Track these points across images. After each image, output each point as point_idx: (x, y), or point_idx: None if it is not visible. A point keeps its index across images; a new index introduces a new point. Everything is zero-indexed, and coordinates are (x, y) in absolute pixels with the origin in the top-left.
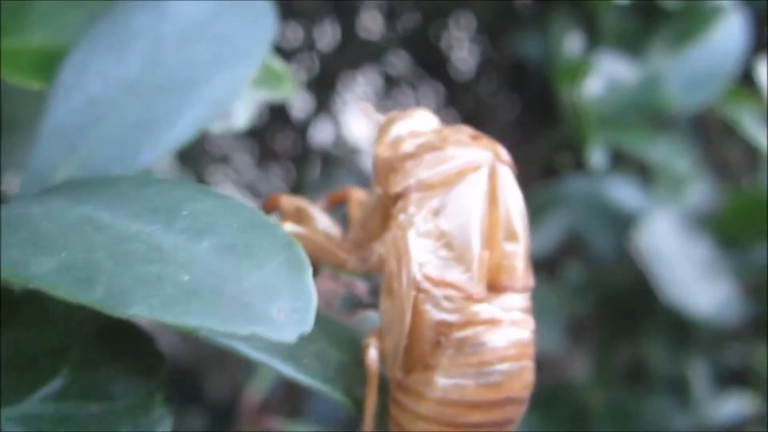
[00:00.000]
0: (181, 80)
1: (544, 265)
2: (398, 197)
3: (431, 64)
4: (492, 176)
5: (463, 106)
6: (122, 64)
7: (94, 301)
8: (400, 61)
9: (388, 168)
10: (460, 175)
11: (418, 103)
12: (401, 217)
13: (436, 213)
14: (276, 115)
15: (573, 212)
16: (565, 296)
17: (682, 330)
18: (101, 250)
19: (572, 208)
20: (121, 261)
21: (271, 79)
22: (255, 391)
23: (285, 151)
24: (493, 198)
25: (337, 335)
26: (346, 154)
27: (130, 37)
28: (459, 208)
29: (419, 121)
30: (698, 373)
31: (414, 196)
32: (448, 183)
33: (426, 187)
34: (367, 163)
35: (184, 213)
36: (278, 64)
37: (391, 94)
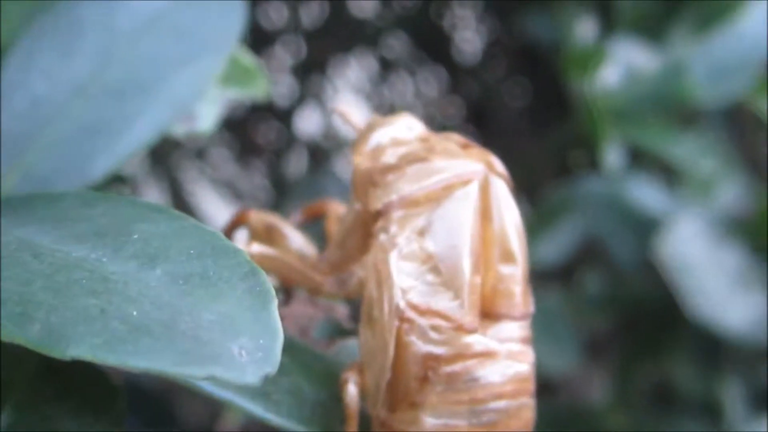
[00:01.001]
0: (136, 79)
1: (557, 275)
2: (379, 215)
3: (432, 46)
4: (484, 190)
5: (468, 93)
6: (70, 62)
7: (29, 341)
8: (397, 43)
9: (368, 181)
10: (448, 190)
11: (417, 90)
12: (382, 237)
13: (422, 233)
14: (257, 103)
15: (589, 216)
16: (581, 309)
17: (712, 347)
18: (39, 281)
19: (589, 212)
20: (60, 293)
21: (241, 76)
22: (233, 419)
23: (268, 144)
24: (485, 215)
25: (313, 367)
26: (337, 146)
27: (79, 31)
28: (447, 227)
29: (402, 128)
30: (731, 394)
31: (396, 214)
32: (435, 199)
33: (410, 203)
34: None
35: (134, 236)
36: (248, 58)
37: (387, 80)
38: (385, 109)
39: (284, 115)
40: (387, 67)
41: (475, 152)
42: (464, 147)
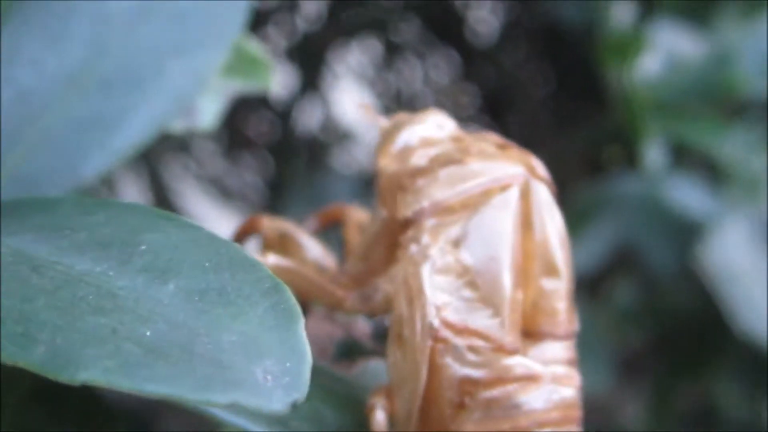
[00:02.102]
0: (132, 70)
1: (587, 285)
2: (409, 223)
3: (443, 27)
4: (525, 196)
5: (483, 80)
6: (60, 52)
7: (33, 364)
8: (405, 25)
9: (395, 186)
10: (485, 196)
11: (426, 76)
12: (413, 248)
13: (457, 243)
14: (248, 92)
15: (625, 219)
16: (613, 323)
17: (758, 365)
18: (41, 298)
19: (623, 214)
20: (66, 311)
21: (246, 66)
22: None
23: (260, 137)
24: (527, 223)
25: (333, 391)
26: (338, 140)
27: (69, 18)
28: (485, 237)
29: (433, 126)
30: None
31: (428, 223)
32: (471, 206)
33: (443, 210)
34: (364, 152)
35: (142, 248)
36: (254, 46)
37: (393, 66)
38: (391, 98)
39: (278, 105)
40: (393, 50)
41: (515, 153)
42: (502, 148)
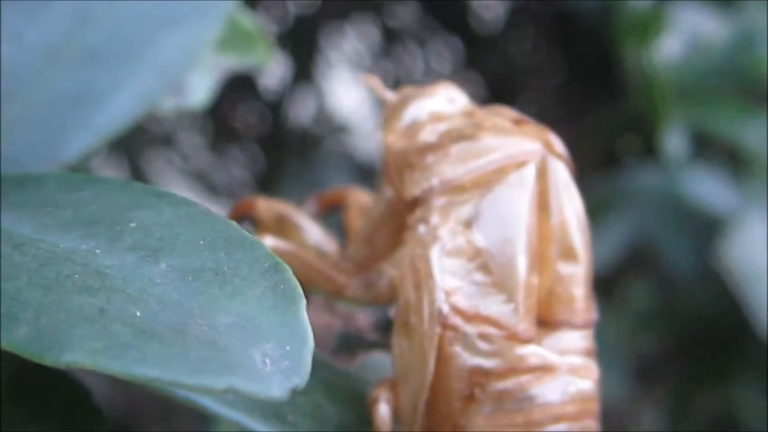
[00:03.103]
0: (118, 43)
1: (600, 285)
2: (417, 202)
3: (446, 11)
4: (542, 175)
5: (488, 68)
6: (41, 23)
7: (16, 345)
8: (403, 9)
9: (403, 163)
10: (499, 174)
11: (428, 65)
12: (421, 228)
13: (469, 224)
14: (236, 80)
15: (641, 214)
16: (629, 326)
17: None
18: (24, 276)
19: (640, 209)
20: (51, 290)
21: (240, 41)
22: None
23: (248, 129)
24: (543, 204)
25: (334, 385)
26: (332, 132)
27: None
28: (499, 218)
29: (443, 100)
30: None
31: (438, 202)
32: (484, 184)
33: (454, 189)
34: (360, 146)
35: (132, 225)
36: (248, 20)
37: (391, 53)
38: (389, 87)
39: (268, 95)
40: (391, 37)
41: (531, 129)
42: (518, 123)
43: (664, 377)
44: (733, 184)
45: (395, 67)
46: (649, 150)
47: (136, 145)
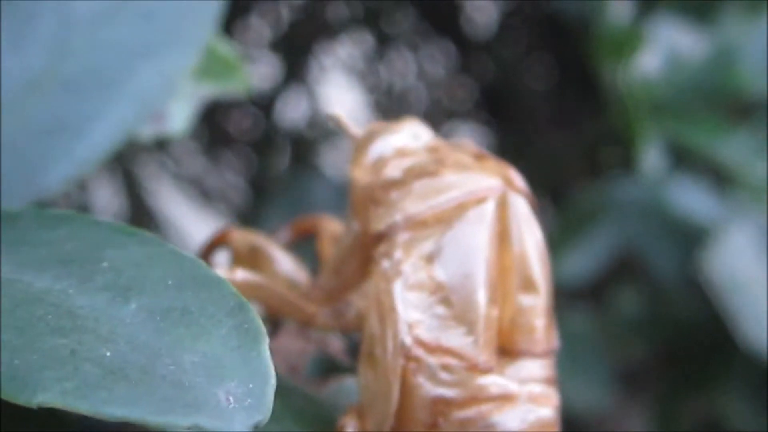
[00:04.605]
0: (97, 72)
1: (586, 294)
2: (381, 237)
3: (439, 17)
4: (502, 210)
5: (481, 73)
6: (21, 53)
7: None
8: (397, 14)
9: (368, 199)
10: (460, 210)
11: (421, 69)
12: (385, 263)
13: (430, 259)
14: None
15: (624, 224)
16: (615, 334)
17: (766, 378)
18: None
19: (624, 219)
20: (24, 332)
21: (218, 69)
22: None
23: (242, 135)
24: (503, 238)
25: (305, 411)
26: (326, 138)
27: (30, 17)
28: (459, 253)
29: (408, 136)
30: None
31: (401, 237)
32: (446, 220)
33: (416, 225)
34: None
35: (104, 265)
36: (227, 48)
37: (385, 58)
38: (382, 92)
39: (262, 100)
40: (385, 42)
41: (491, 165)
42: (478, 158)
43: (650, 384)
44: (714, 196)
45: (388, 71)
46: (629, 162)
47: (129, 149)
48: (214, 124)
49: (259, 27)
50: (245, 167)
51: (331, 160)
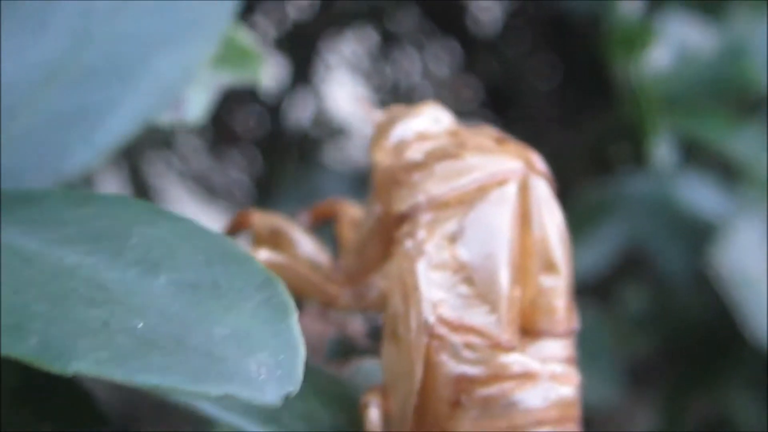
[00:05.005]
0: (116, 61)
1: (594, 290)
2: (404, 218)
3: (444, 15)
4: (523, 192)
5: (486, 72)
6: (43, 42)
7: (27, 355)
8: (402, 13)
9: (390, 181)
10: (482, 191)
11: (425, 68)
12: (408, 243)
13: (453, 239)
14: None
15: (634, 220)
16: (622, 330)
17: None
18: (32, 289)
19: (633, 215)
20: (58, 303)
21: (236, 57)
22: None
23: (247, 132)
24: (525, 219)
25: (327, 391)
26: (331, 136)
27: (51, 7)
28: (482, 233)
29: (428, 120)
30: None
31: (424, 218)
32: (468, 201)
33: (439, 205)
34: (358, 149)
35: (133, 241)
36: (245, 37)
37: (390, 56)
38: (388, 91)
39: (267, 98)
40: (390, 40)
41: (513, 148)
42: (500, 142)
43: (658, 380)
44: (723, 191)
45: (393, 70)
46: (639, 158)
47: (138, 148)
48: (220, 123)
49: (265, 26)
50: (250, 165)
51: (336, 158)
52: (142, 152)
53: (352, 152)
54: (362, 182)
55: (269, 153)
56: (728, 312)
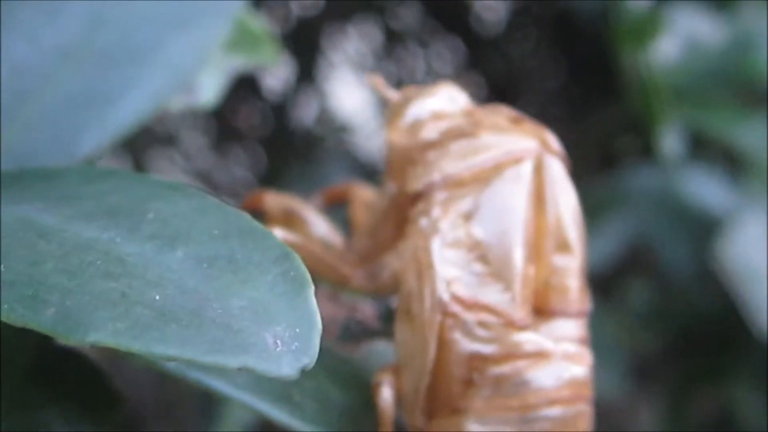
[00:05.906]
0: (130, 44)
1: (598, 285)
2: (418, 197)
3: (447, 13)
4: (538, 171)
5: (490, 69)
6: (57, 25)
7: (44, 326)
8: (405, 10)
9: (405, 160)
10: (497, 169)
11: (429, 66)
12: (423, 221)
13: (468, 217)
14: (239, 81)
15: (639, 214)
16: (627, 325)
17: None
18: (50, 262)
19: (638, 209)
20: (75, 275)
21: (247, 42)
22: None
23: (250, 130)
24: (539, 198)
25: (339, 370)
26: (334, 133)
27: None
28: (496, 211)
29: (444, 99)
30: None
31: (439, 196)
32: (483, 179)
33: (454, 184)
34: (361, 146)
35: (150, 216)
36: (256, 22)
37: (394, 54)
38: (391, 87)
39: (271, 96)
40: (393, 38)
41: (528, 127)
42: (515, 121)
43: (662, 376)
44: (731, 184)
45: (397, 68)
46: (648, 151)
47: (140, 144)
48: (223, 120)
49: (268, 23)
50: (254, 163)
51: (340, 156)
52: (145, 149)
53: (355, 149)
54: (366, 178)
55: (273, 150)
56: (733, 306)
